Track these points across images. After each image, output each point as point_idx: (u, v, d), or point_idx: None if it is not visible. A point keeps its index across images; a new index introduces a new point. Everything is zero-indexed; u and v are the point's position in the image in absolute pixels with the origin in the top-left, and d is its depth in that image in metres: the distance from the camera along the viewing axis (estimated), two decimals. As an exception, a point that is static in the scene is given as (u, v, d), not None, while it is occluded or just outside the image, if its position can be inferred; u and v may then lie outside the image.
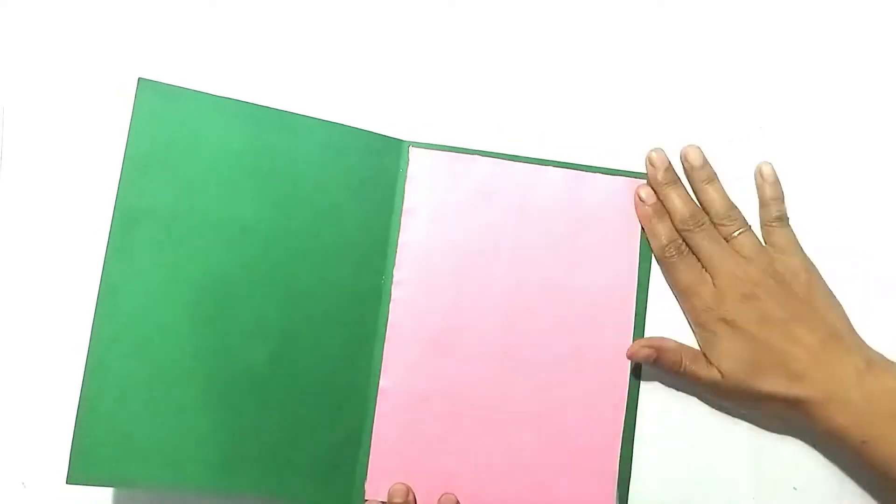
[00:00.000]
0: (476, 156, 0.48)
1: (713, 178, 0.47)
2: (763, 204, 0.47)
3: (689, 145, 0.47)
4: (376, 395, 0.46)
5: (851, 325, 0.44)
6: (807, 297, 0.43)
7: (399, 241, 0.47)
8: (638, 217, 0.47)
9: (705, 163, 0.47)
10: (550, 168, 0.48)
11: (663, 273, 0.46)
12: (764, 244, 0.46)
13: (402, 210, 0.47)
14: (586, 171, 0.48)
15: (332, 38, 0.50)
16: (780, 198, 0.47)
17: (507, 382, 0.46)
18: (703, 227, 0.45)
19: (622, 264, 0.47)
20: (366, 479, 0.45)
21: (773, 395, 0.41)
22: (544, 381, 0.46)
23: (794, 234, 0.46)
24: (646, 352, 0.44)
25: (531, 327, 0.46)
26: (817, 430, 0.42)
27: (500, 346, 0.46)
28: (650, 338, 0.45)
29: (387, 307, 0.46)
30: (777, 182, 0.47)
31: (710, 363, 0.43)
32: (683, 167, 0.47)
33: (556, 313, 0.46)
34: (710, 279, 0.44)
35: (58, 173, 0.48)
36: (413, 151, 0.47)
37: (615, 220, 0.47)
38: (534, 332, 0.46)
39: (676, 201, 0.46)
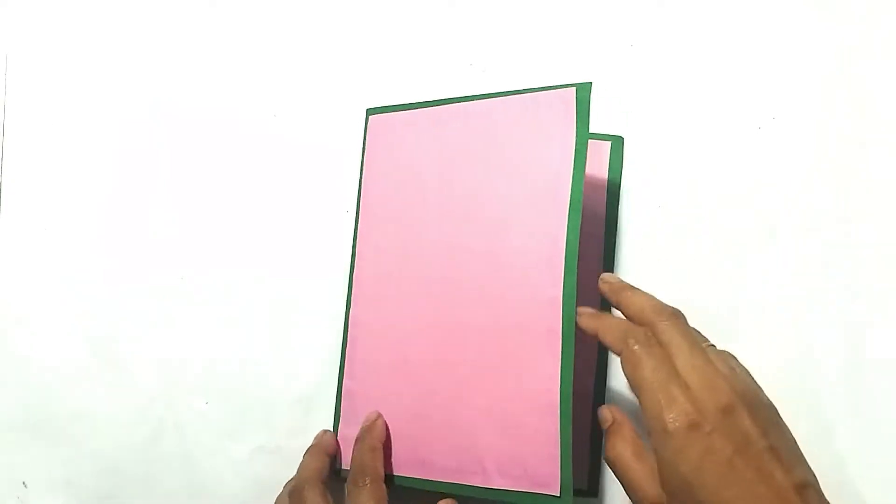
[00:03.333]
0: (432, 108, 0.46)
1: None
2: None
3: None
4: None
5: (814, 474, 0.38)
6: (775, 428, 0.37)
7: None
8: (583, 328, 0.41)
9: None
10: (493, 99, 0.45)
11: (624, 367, 0.39)
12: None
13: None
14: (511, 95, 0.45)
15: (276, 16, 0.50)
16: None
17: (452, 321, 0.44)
18: (680, 322, 0.39)
19: (551, 182, 0.42)
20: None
21: None
22: (482, 315, 0.43)
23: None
24: (604, 413, 0.41)
25: (470, 261, 0.43)
26: None
27: (446, 280, 0.44)
28: (617, 409, 0.41)
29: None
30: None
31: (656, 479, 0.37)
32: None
33: (491, 249, 0.43)
34: (683, 381, 0.37)
35: (58, 173, 0.49)
36: (372, 119, 0.47)
37: (540, 135, 0.43)
38: (474, 276, 0.43)
39: (641, 296, 0.41)
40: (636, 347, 0.38)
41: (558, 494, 0.39)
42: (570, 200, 0.41)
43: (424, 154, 0.46)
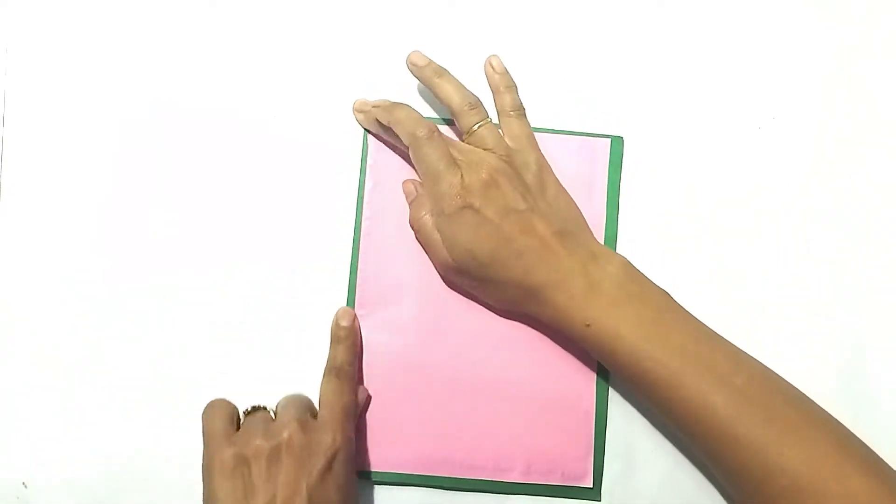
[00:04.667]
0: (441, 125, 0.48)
1: (444, 72, 0.47)
2: (497, 93, 0.48)
3: (412, 51, 0.47)
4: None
5: (582, 221, 0.46)
6: (541, 190, 0.45)
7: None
8: (380, 120, 0.46)
9: (430, 60, 0.47)
10: None
11: (413, 158, 0.45)
12: (502, 135, 0.46)
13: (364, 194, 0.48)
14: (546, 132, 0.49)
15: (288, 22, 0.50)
16: (515, 87, 0.48)
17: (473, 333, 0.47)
18: (474, 111, 0.46)
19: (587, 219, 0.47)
20: None
21: (508, 281, 0.43)
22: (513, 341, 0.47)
23: (530, 127, 0.47)
24: (407, 187, 0.47)
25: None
26: (545, 316, 0.44)
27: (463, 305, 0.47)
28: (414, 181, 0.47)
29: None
30: (508, 72, 0.48)
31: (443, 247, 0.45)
32: (411, 71, 0.47)
33: None
34: (458, 169, 0.43)
35: (58, 172, 0.49)
36: (371, 138, 0.49)
37: (575, 177, 0.48)
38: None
39: (449, 87, 0.46)
40: (422, 140, 0.44)
41: (591, 486, 0.45)
42: (605, 231, 0.48)
43: None
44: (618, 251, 0.48)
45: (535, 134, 0.48)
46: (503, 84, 0.48)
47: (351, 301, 0.47)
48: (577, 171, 0.48)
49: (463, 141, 0.47)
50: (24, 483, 0.47)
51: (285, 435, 0.40)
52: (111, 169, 0.49)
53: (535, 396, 0.46)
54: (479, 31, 0.50)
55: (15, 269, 0.48)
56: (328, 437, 0.41)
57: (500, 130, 0.47)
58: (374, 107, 0.47)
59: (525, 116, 0.47)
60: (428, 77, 0.47)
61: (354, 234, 0.48)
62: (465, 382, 0.46)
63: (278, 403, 0.44)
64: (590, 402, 0.46)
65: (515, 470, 0.45)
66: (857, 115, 0.49)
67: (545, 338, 0.46)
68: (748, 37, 0.50)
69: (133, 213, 0.48)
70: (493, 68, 0.48)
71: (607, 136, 0.48)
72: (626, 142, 0.49)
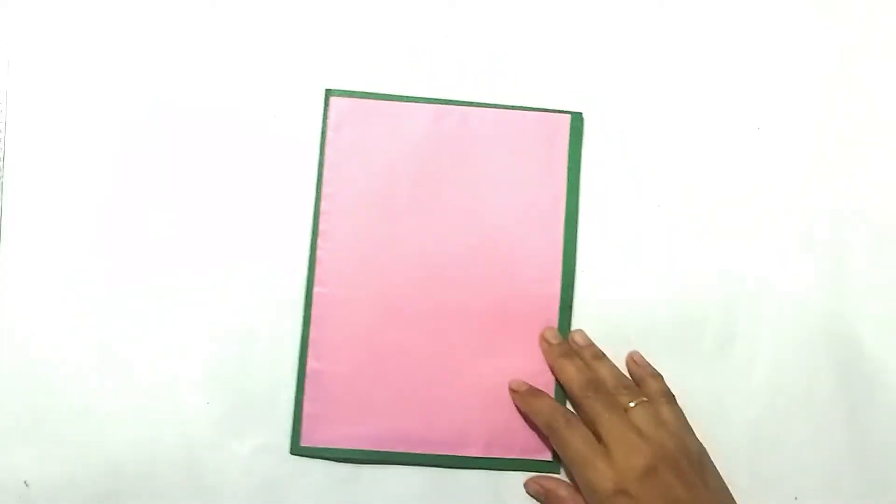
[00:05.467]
0: (401, 102, 0.49)
1: (601, 355, 0.46)
2: (643, 382, 0.45)
3: (575, 330, 0.47)
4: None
5: None
6: (702, 479, 0.41)
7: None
8: (517, 405, 0.46)
9: (591, 342, 0.46)
10: (473, 108, 0.49)
11: (554, 446, 0.44)
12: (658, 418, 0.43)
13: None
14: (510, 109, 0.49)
15: None
16: (660, 376, 0.45)
17: (436, 304, 0.47)
18: (601, 392, 0.43)
19: (548, 195, 0.48)
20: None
21: None
22: (474, 306, 0.47)
23: (682, 412, 0.44)
24: (534, 488, 0.45)
25: (458, 253, 0.47)
26: None
27: (429, 267, 0.47)
28: (546, 477, 0.45)
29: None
30: (649, 364, 0.46)
31: None
32: (561, 349, 0.46)
33: (482, 244, 0.47)
34: (605, 451, 0.41)
35: (59, 173, 0.49)
36: (333, 101, 0.49)
37: (536, 153, 0.48)
38: (461, 266, 0.47)
39: (571, 369, 0.44)
40: (560, 429, 0.42)
41: (551, 459, 0.46)
42: (566, 212, 0.48)
43: (403, 144, 0.48)
44: (617, 255, 0.48)
45: (498, 110, 0.48)
46: (647, 373, 0.46)
47: (310, 278, 0.47)
48: (535, 147, 0.48)
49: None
50: (25, 482, 0.47)
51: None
52: (111, 169, 0.49)
53: (494, 372, 0.47)
54: (479, 32, 0.50)
55: (15, 269, 0.48)
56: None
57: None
58: (512, 390, 0.46)
59: (675, 403, 0.44)
60: (585, 357, 0.46)
61: (315, 213, 0.48)
62: (424, 360, 0.47)
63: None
64: (549, 376, 0.47)
65: (476, 445, 0.46)
66: (857, 115, 0.49)
67: (505, 315, 0.47)
68: (748, 37, 0.50)
69: (133, 213, 0.48)
70: (635, 362, 0.46)
71: (567, 112, 0.49)
72: (626, 142, 0.49)
